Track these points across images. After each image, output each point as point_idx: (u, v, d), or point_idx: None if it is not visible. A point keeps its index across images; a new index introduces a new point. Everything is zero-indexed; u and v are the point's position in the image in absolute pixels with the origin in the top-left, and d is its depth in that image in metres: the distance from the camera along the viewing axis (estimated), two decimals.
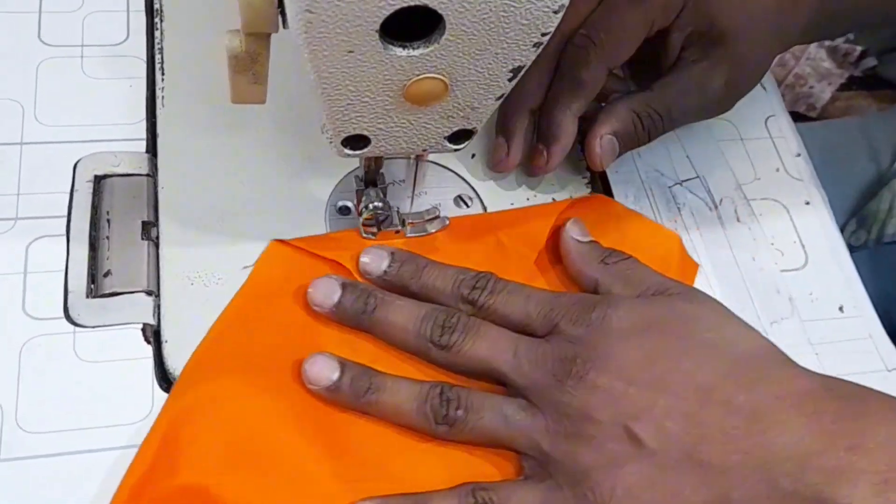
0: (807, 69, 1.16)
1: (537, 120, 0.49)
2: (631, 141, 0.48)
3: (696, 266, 0.50)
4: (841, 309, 0.50)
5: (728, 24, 0.47)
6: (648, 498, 0.37)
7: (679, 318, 0.40)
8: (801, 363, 0.39)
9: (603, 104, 0.50)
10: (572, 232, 0.46)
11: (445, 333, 0.41)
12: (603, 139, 0.47)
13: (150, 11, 0.54)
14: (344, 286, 0.43)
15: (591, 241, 0.46)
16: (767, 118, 0.58)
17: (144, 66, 0.52)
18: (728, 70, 0.48)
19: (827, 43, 1.15)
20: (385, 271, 0.44)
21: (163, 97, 0.51)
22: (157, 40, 0.53)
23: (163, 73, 0.52)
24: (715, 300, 0.43)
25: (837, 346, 0.49)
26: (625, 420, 0.38)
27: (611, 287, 0.44)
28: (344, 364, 0.41)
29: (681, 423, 0.37)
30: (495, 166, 0.50)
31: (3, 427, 0.40)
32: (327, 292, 0.43)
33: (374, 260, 0.44)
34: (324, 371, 0.41)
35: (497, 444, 0.41)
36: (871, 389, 0.38)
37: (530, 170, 0.50)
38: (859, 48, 1.16)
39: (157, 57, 0.52)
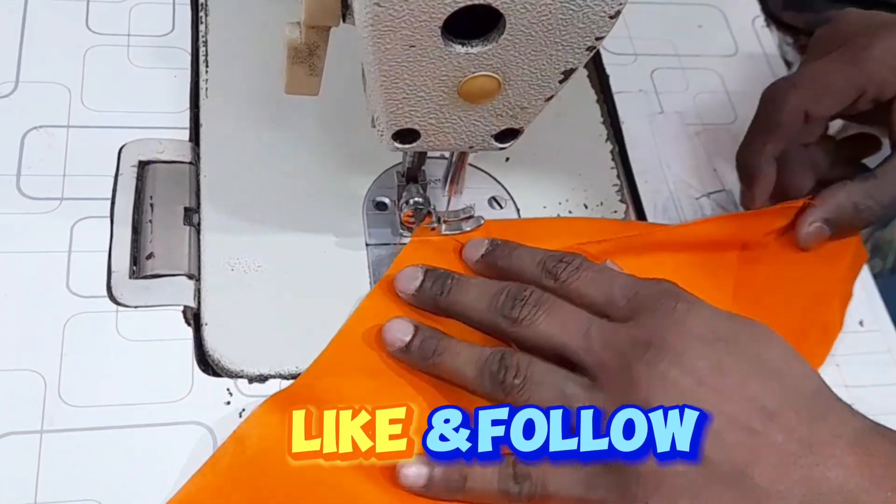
0: None
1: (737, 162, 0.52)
2: (845, 229, 0.50)
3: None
4: (861, 323, 0.52)
5: None
6: None
7: (753, 340, 0.40)
8: (823, 374, 0.40)
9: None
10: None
11: (517, 307, 0.41)
12: (812, 226, 0.49)
13: (195, 5, 0.56)
14: (426, 272, 0.45)
15: None
16: None
17: (189, 57, 0.54)
18: None
19: None
20: (482, 254, 0.46)
21: (206, 88, 0.52)
22: (201, 33, 0.54)
23: (207, 66, 0.53)
24: (785, 341, 0.42)
25: (857, 358, 0.50)
26: None
27: None
28: (417, 327, 0.43)
29: (740, 437, 0.37)
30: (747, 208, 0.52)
31: (46, 400, 0.41)
32: (410, 277, 0.45)
33: (473, 247, 0.47)
34: (398, 333, 0.43)
35: None
36: None
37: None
38: None
39: (202, 50, 0.54)
